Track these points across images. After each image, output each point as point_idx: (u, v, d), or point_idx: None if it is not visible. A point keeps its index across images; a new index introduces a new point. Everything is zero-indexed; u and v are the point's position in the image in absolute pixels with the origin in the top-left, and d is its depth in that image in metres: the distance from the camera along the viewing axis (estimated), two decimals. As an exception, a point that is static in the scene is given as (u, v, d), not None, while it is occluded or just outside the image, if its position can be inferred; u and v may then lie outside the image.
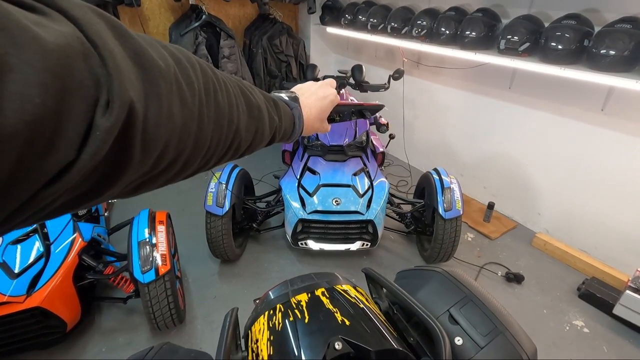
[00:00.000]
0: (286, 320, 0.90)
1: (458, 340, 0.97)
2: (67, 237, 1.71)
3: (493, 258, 2.46)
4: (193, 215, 2.73)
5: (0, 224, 0.20)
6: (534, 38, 2.16)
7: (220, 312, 2.00)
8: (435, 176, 2.22)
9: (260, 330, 0.92)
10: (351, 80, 2.60)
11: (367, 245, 2.20)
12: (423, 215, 2.38)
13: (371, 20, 3.16)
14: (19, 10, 0.18)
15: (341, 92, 2.57)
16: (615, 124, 2.15)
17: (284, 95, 0.58)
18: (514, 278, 2.25)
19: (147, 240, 1.63)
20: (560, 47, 1.98)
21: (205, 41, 3.37)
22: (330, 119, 0.72)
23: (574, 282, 2.25)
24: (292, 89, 0.62)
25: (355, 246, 2.19)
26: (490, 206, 2.77)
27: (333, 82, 0.69)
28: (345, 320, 0.88)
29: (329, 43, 4.35)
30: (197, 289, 2.16)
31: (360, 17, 3.31)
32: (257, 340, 0.91)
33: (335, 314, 0.91)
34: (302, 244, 2.20)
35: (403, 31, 2.94)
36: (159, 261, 1.59)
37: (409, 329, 1.04)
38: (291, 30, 3.96)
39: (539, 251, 2.55)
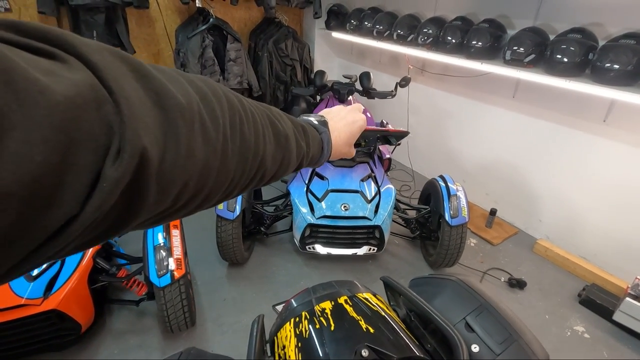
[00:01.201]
0: (313, 328, 0.93)
1: (475, 348, 1.01)
2: (82, 240, 1.72)
3: (495, 264, 2.52)
4: (201, 218, 2.73)
5: (3, 276, 0.19)
6: (539, 50, 2.21)
7: (230, 314, 2.03)
8: (442, 183, 2.26)
9: (287, 337, 0.95)
10: (358, 87, 2.64)
11: (373, 250, 2.24)
12: (428, 221, 2.42)
13: (377, 26, 3.20)
14: (30, 58, 0.18)
15: (348, 98, 2.61)
16: (616, 134, 2.21)
17: (313, 119, 0.57)
18: (517, 284, 2.30)
19: (163, 244, 1.65)
20: (565, 59, 2.03)
21: (212, 44, 3.39)
22: (356, 144, 0.73)
23: (575, 288, 2.31)
24: (321, 113, 0.63)
25: (362, 251, 2.23)
26: (493, 212, 2.82)
27: (361, 107, 0.70)
28: (370, 328, 0.92)
29: (333, 48, 4.38)
30: (206, 291, 2.18)
31: (366, 23, 3.35)
32: (284, 347, 0.94)
33: (360, 321, 0.94)
34: (309, 248, 2.24)
35: (409, 38, 2.98)
36: (174, 265, 1.62)
37: (427, 336, 1.08)
38: (296, 34, 3.99)
39: (540, 257, 2.61)
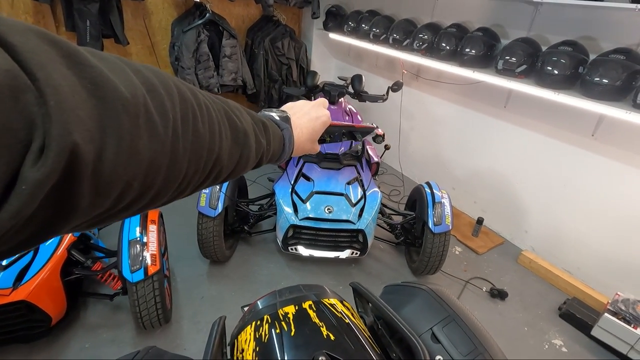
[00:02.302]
0: (273, 332, 0.92)
1: (439, 359, 1.00)
2: (57, 231, 1.70)
3: (479, 273, 2.51)
4: (184, 213, 2.72)
5: None
6: (531, 61, 2.20)
7: (207, 313, 2.01)
8: (427, 190, 2.25)
9: (247, 341, 0.93)
10: (350, 89, 2.63)
11: (356, 254, 2.22)
12: (413, 227, 2.41)
13: (374, 29, 3.19)
14: None
15: (339, 100, 2.59)
16: (604, 149, 2.20)
17: (274, 114, 0.56)
18: (498, 294, 2.29)
19: (138, 239, 1.63)
20: (556, 72, 2.03)
21: (207, 39, 3.37)
22: (321, 140, 0.72)
23: (556, 301, 2.30)
24: (283, 108, 0.61)
25: (344, 254, 2.22)
26: (480, 221, 2.81)
27: (326, 102, 0.68)
28: (331, 335, 0.90)
29: (330, 49, 4.37)
30: (185, 288, 2.16)
31: (363, 25, 3.34)
32: (242, 350, 0.93)
33: (321, 328, 0.92)
34: (292, 249, 2.22)
35: (404, 43, 2.97)
36: (148, 261, 1.60)
37: (392, 345, 1.06)
38: (294, 34, 3.97)
39: (524, 268, 2.60)
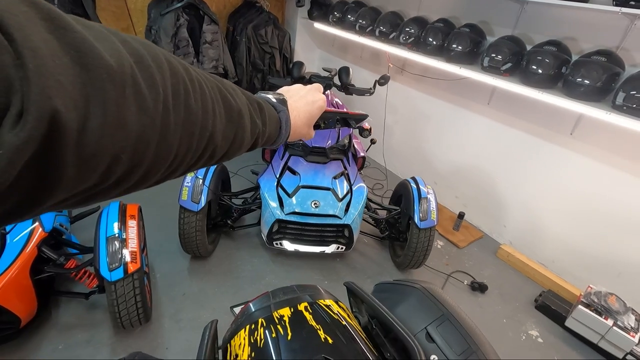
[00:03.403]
0: (268, 336, 0.88)
1: (433, 358, 1.00)
2: (26, 226, 1.58)
3: (460, 266, 2.56)
4: (163, 207, 2.62)
5: None
6: (516, 59, 2.23)
7: (189, 310, 1.94)
8: (413, 185, 2.26)
9: (241, 345, 0.89)
10: (337, 81, 2.58)
11: (342, 248, 2.21)
12: (398, 222, 2.42)
13: (360, 21, 3.15)
14: None
15: (326, 92, 2.54)
16: (581, 148, 2.28)
17: (271, 96, 0.54)
18: (479, 287, 2.35)
19: (117, 235, 1.54)
20: (540, 71, 2.06)
21: (187, 24, 3.21)
22: (316, 125, 0.70)
23: (532, 293, 2.39)
24: (280, 91, 0.59)
25: (330, 249, 2.20)
26: (461, 216, 2.87)
27: (321, 87, 0.67)
28: (328, 338, 0.88)
29: (314, 38, 4.29)
30: (166, 285, 2.08)
31: (349, 16, 3.28)
32: (236, 356, 0.89)
33: (318, 331, 0.90)
34: (277, 244, 2.18)
35: (391, 36, 2.95)
36: (128, 258, 1.51)
37: (387, 345, 1.05)
38: (277, 22, 3.86)
39: (502, 262, 2.68)
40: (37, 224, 1.62)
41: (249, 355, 0.86)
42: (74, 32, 0.21)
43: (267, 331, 0.90)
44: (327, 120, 0.81)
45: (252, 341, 0.89)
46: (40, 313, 1.67)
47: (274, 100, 0.54)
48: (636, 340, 1.84)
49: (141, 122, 0.25)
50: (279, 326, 0.91)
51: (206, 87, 0.35)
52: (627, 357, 1.90)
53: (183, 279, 2.14)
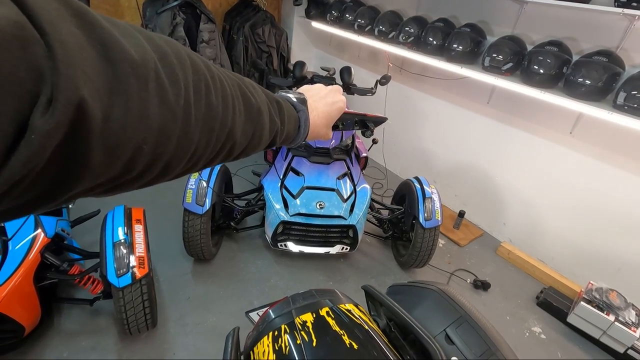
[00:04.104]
0: (293, 343, 0.87)
1: (454, 360, 1.00)
2: (28, 232, 1.54)
3: (462, 265, 2.58)
4: (164, 209, 2.59)
5: None
6: (517, 59, 2.25)
7: (195, 314, 1.92)
8: (417, 185, 2.27)
9: (265, 353, 0.88)
10: (338, 81, 2.57)
11: (346, 249, 2.21)
12: (401, 222, 2.43)
13: (359, 20, 3.14)
14: None
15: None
16: (580, 147, 2.32)
17: (292, 96, 0.55)
18: (481, 285, 2.37)
19: (123, 240, 1.51)
20: (542, 71, 2.09)
21: (183, 22, 3.16)
22: (334, 126, 0.70)
23: (534, 290, 2.43)
24: (301, 89, 0.60)
25: (335, 250, 2.20)
26: (461, 214, 2.89)
27: (340, 89, 0.67)
28: (353, 344, 0.88)
29: (311, 37, 4.27)
30: (169, 289, 2.05)
31: (347, 15, 3.27)
32: (261, 363, 0.88)
33: (343, 336, 0.89)
34: (281, 245, 2.17)
35: (390, 36, 2.95)
36: (135, 264, 1.49)
37: (406, 347, 1.05)
38: (274, 20, 3.83)
39: (503, 260, 2.71)
40: (39, 230, 1.58)
41: (275, 363, 0.85)
42: (102, 28, 0.22)
43: (291, 338, 0.89)
44: (346, 121, 0.80)
45: (277, 348, 0.88)
46: (43, 321, 1.63)
47: (294, 99, 0.54)
48: (637, 335, 1.88)
49: (163, 115, 0.26)
50: (302, 332, 0.90)
51: (227, 84, 0.36)
52: (628, 352, 1.94)
53: (187, 282, 2.12)
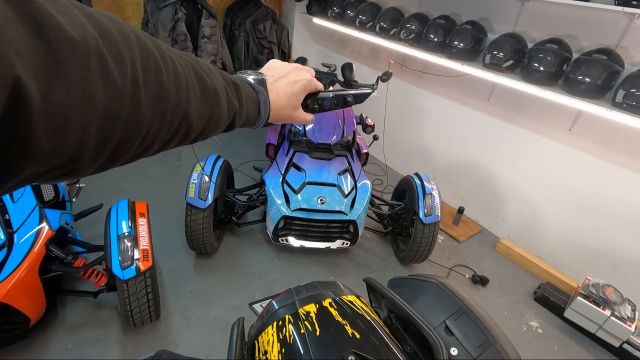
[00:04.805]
0: (297, 332, 0.90)
1: (453, 351, 1.03)
2: (33, 225, 1.56)
3: (461, 260, 2.61)
4: (166, 204, 2.61)
5: None
6: (518, 56, 2.27)
7: (197, 307, 1.94)
8: (417, 181, 2.29)
9: (270, 342, 0.91)
10: (340, 78, 2.58)
11: (347, 244, 2.23)
12: (401, 217, 2.45)
13: (360, 17, 3.14)
14: None
15: (329, 88, 2.54)
16: (579, 144, 2.34)
17: (250, 77, 0.53)
18: (480, 280, 2.40)
19: (128, 233, 1.53)
20: (542, 68, 2.10)
21: (185, 17, 3.17)
22: (312, 109, 0.66)
23: (531, 286, 2.46)
24: (262, 69, 0.57)
25: (335, 245, 2.22)
26: (460, 210, 2.92)
27: (310, 69, 0.63)
28: (356, 334, 0.90)
29: (312, 34, 4.27)
30: (172, 282, 2.07)
31: (348, 12, 3.28)
32: (266, 352, 0.90)
33: (345, 326, 0.92)
34: (282, 240, 2.19)
35: (391, 32, 2.96)
36: (140, 257, 1.51)
37: (407, 338, 1.08)
38: (275, 16, 3.83)
39: (501, 255, 2.74)
40: (44, 223, 1.59)
41: (279, 352, 0.87)
42: (33, 3, 0.21)
43: (295, 327, 0.91)
44: (321, 101, 0.71)
45: (282, 337, 0.90)
46: (48, 312, 1.65)
47: (252, 80, 0.53)
48: (632, 330, 1.91)
49: (108, 95, 0.25)
50: (306, 322, 0.92)
51: (179, 65, 0.35)
52: (623, 346, 1.97)
53: (189, 276, 2.14)
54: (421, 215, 2.14)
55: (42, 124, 0.21)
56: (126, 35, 0.28)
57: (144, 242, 1.54)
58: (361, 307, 1.02)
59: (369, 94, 0.92)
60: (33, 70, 0.19)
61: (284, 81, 0.57)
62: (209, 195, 1.97)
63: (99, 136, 0.25)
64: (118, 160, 0.31)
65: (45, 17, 0.21)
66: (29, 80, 0.19)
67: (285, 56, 3.97)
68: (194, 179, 2.00)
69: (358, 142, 2.62)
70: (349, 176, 2.27)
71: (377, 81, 2.61)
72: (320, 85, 0.65)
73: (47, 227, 1.60)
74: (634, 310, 2.00)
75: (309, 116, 0.64)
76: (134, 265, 1.48)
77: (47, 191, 1.77)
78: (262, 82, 0.54)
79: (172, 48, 0.36)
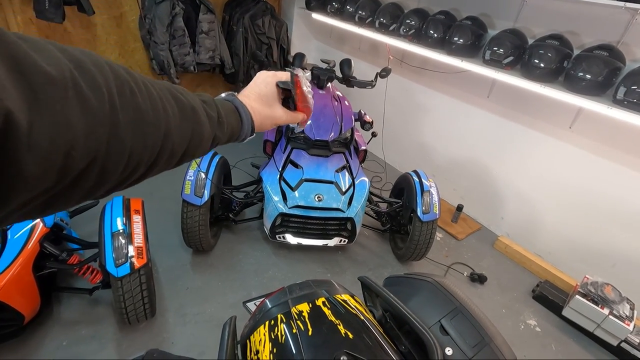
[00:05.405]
0: (289, 332, 0.88)
1: (448, 351, 1.02)
2: (27, 222, 1.55)
3: (459, 258, 2.60)
4: (162, 200, 2.60)
5: None
6: (518, 53, 2.24)
7: (193, 304, 1.94)
8: (416, 178, 2.27)
9: (261, 342, 0.89)
10: (338, 74, 2.56)
11: (344, 241, 2.22)
12: (399, 215, 2.44)
13: (359, 12, 3.11)
14: None
15: (328, 85, 2.51)
16: (580, 141, 2.31)
17: (220, 95, 0.56)
18: (478, 278, 2.39)
19: (122, 230, 1.52)
20: (542, 65, 2.07)
21: (182, 12, 3.14)
22: (292, 98, 0.64)
23: (530, 284, 2.45)
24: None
25: (333, 242, 2.21)
26: (459, 208, 2.90)
27: (274, 73, 0.63)
28: (349, 334, 0.89)
29: (311, 29, 4.23)
30: (168, 279, 2.06)
31: (348, 7, 3.24)
32: (257, 352, 0.89)
33: (338, 326, 0.90)
34: (279, 237, 2.18)
35: (391, 28, 2.93)
36: (134, 254, 1.49)
37: (401, 337, 1.07)
38: (274, 12, 3.80)
39: (500, 253, 2.73)
40: (38, 219, 1.58)
41: (271, 352, 0.86)
42: (8, 43, 0.22)
43: (287, 327, 0.90)
44: (291, 94, 0.66)
45: (273, 337, 0.89)
46: (42, 310, 1.65)
47: (223, 95, 0.56)
48: (630, 328, 1.90)
49: (87, 120, 0.27)
50: (298, 322, 0.91)
51: (153, 89, 0.36)
52: (621, 345, 1.96)
53: (185, 273, 2.13)
54: (419, 212, 2.12)
55: (29, 152, 0.22)
56: (99, 65, 0.30)
57: (138, 239, 1.53)
58: (355, 306, 1.00)
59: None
60: (18, 102, 0.21)
61: (249, 88, 0.60)
62: (205, 192, 1.96)
63: (82, 159, 0.27)
64: (105, 183, 0.32)
65: (23, 56, 0.23)
66: (17, 112, 0.21)
67: (284, 52, 3.94)
68: (190, 176, 1.99)
69: (356, 138, 2.59)
70: (346, 173, 2.25)
71: (376, 77, 2.59)
72: (285, 74, 0.64)
73: (41, 224, 1.59)
74: (632, 309, 1.99)
75: (298, 115, 0.64)
76: (128, 262, 1.47)
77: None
78: (231, 94, 0.57)
79: (145, 77, 0.37)
